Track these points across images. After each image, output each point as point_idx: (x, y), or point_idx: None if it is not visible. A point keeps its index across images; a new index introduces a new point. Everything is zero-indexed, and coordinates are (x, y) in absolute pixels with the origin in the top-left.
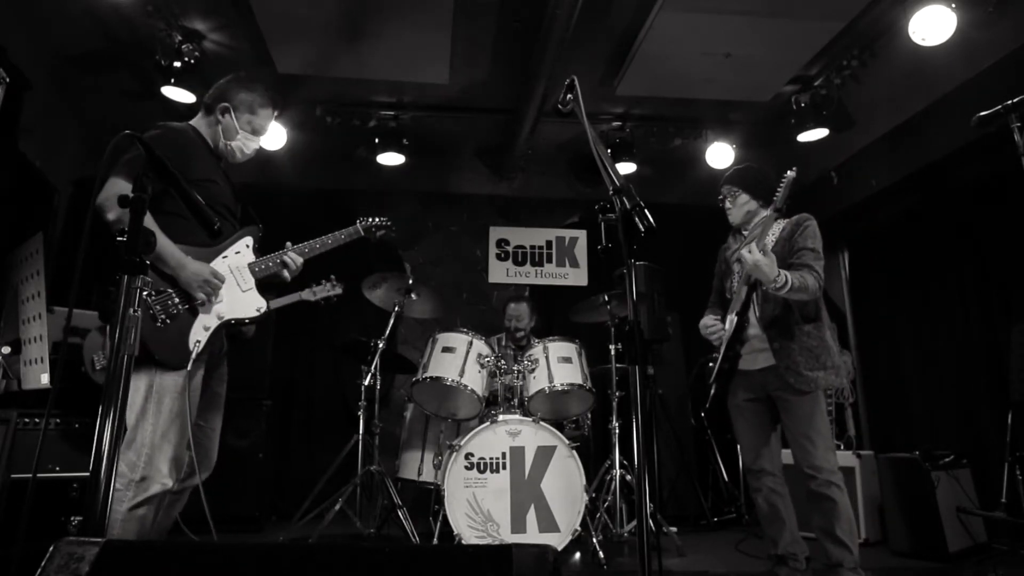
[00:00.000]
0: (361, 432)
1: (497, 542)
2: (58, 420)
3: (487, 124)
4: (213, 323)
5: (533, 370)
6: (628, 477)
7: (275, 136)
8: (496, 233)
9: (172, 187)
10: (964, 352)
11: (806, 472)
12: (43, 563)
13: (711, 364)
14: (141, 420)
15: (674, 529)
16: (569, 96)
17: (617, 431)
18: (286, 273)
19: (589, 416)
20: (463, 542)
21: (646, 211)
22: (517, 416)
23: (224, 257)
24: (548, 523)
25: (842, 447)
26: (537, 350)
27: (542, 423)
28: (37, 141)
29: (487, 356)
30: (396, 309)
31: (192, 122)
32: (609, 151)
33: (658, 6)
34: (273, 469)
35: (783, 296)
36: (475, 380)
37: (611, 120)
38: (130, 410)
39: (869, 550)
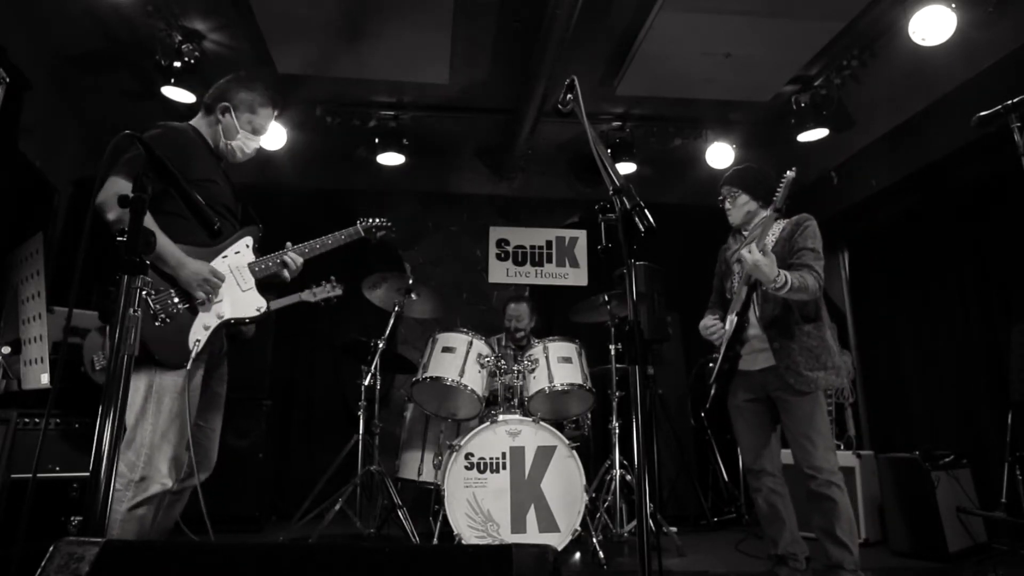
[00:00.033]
0: (361, 432)
1: (497, 542)
2: (58, 420)
3: (487, 124)
4: (213, 322)
5: (533, 370)
6: (628, 477)
7: (275, 136)
8: (496, 233)
9: (172, 187)
10: (964, 352)
11: (806, 472)
12: (43, 563)
13: (711, 364)
14: (141, 420)
15: (674, 529)
16: (569, 96)
17: (617, 431)
18: (286, 273)
19: (589, 416)
20: (463, 542)
21: (646, 211)
22: (517, 416)
23: (224, 257)
24: (548, 523)
25: (842, 447)
26: (537, 350)
27: (542, 423)
28: (37, 141)
29: (487, 356)
30: (396, 309)
31: (192, 122)
32: (609, 151)
33: (658, 6)
34: (273, 469)
35: (783, 296)
36: (475, 380)
37: (611, 120)
38: (129, 410)
39: (869, 550)
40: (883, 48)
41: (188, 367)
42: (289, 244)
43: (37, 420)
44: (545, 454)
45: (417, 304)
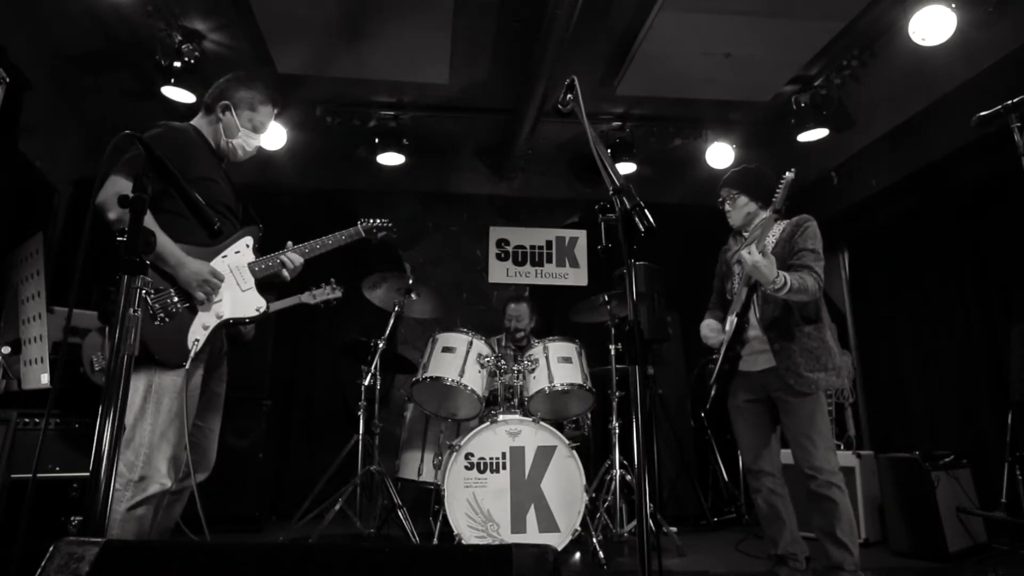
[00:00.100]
0: (361, 432)
1: (497, 542)
2: (58, 420)
3: (487, 124)
4: (212, 322)
5: (533, 370)
6: (628, 477)
7: (275, 136)
8: (496, 233)
9: (172, 186)
10: (964, 352)
11: (807, 473)
12: (43, 563)
13: (711, 365)
14: (140, 420)
15: (674, 529)
16: (569, 96)
17: (617, 431)
18: (286, 273)
19: (589, 416)
20: (463, 542)
21: (646, 211)
22: (517, 416)
23: (224, 256)
24: (548, 523)
25: (842, 447)
26: (537, 350)
27: (542, 423)
28: (37, 141)
29: (487, 356)
30: (396, 309)
31: (193, 122)
32: (609, 151)
33: (658, 6)
34: (273, 469)
35: (783, 297)
36: (475, 380)
37: (611, 120)
38: (129, 410)
39: (869, 550)
40: (883, 48)
41: (187, 367)
42: (289, 244)
43: (37, 420)
44: (545, 454)
45: (417, 304)
